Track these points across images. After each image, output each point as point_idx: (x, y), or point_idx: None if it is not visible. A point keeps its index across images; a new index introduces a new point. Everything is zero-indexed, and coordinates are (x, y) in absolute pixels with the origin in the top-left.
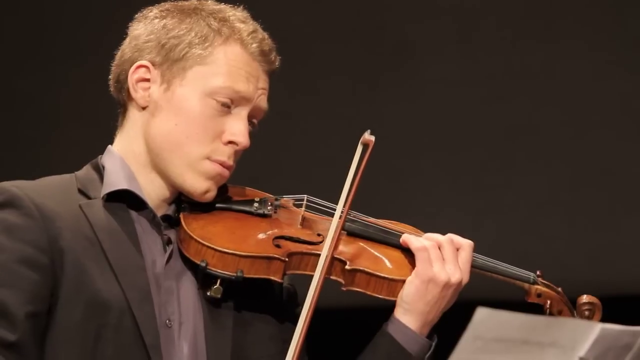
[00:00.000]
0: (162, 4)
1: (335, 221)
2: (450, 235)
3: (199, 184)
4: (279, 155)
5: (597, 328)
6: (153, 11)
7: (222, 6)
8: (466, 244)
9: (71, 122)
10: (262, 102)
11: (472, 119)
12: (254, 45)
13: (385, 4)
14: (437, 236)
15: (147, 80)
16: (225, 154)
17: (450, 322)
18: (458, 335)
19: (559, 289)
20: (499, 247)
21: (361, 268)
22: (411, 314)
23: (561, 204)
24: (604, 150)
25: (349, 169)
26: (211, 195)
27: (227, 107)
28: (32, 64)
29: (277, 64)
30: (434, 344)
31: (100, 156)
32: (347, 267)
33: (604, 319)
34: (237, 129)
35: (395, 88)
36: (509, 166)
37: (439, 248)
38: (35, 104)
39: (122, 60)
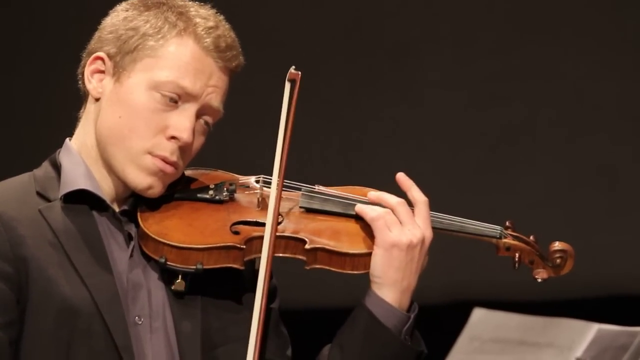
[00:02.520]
0: None
1: (273, 193)
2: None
3: (140, 180)
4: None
5: (594, 328)
6: (122, 5)
7: (188, 2)
8: (420, 200)
9: (30, 117)
10: (213, 100)
11: (469, 121)
12: (208, 40)
13: (383, 6)
14: (389, 199)
15: (102, 72)
16: (168, 150)
17: (448, 323)
18: (455, 335)
19: (531, 238)
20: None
21: (321, 246)
22: (385, 285)
23: (558, 205)
24: (601, 152)
25: (345, 170)
26: (156, 191)
27: (174, 102)
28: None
29: (235, 62)
30: (412, 315)
31: (58, 150)
32: (306, 246)
33: (601, 320)
34: (181, 124)
35: (394, 90)
36: (507, 167)
37: (394, 212)
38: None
39: (87, 52)
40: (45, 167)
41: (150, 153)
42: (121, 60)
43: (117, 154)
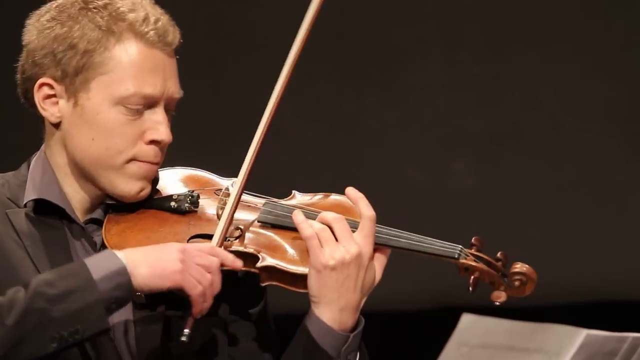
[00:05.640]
0: (48, 6)
1: (231, 201)
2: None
3: (131, 186)
4: (264, 158)
5: (582, 334)
6: (42, 20)
7: None
8: (365, 215)
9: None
10: (173, 91)
11: (457, 124)
12: (151, 32)
13: (371, 8)
14: (327, 216)
15: (54, 96)
16: (151, 154)
17: (436, 328)
18: (443, 341)
19: (497, 256)
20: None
21: (272, 265)
22: (321, 304)
23: (547, 209)
24: (590, 155)
25: (335, 172)
26: (146, 192)
27: (140, 110)
28: None
29: (177, 40)
30: (352, 335)
31: (35, 154)
32: (258, 264)
33: (589, 326)
34: (157, 127)
35: (381, 93)
36: (495, 171)
37: (331, 229)
38: None
39: (24, 78)
40: (21, 171)
41: (134, 159)
42: (72, 83)
43: (101, 171)
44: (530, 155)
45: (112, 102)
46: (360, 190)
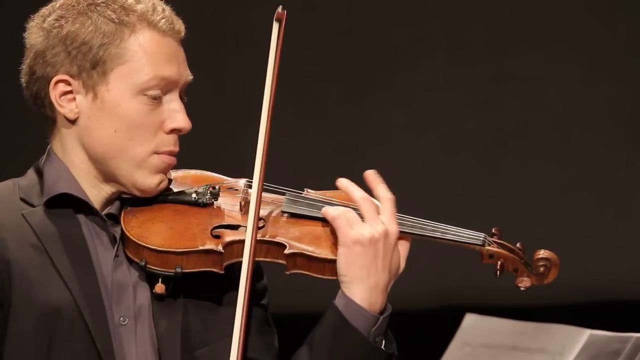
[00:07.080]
0: (51, 7)
1: (254, 195)
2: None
3: (150, 180)
4: (269, 158)
5: (585, 334)
6: (48, 20)
7: None
8: (385, 197)
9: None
10: (186, 75)
11: (460, 124)
12: (162, 21)
13: (375, 9)
14: (354, 193)
15: (70, 92)
16: (171, 143)
17: (439, 328)
18: (447, 341)
19: (517, 245)
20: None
21: (300, 251)
22: (352, 284)
23: (550, 209)
24: (593, 156)
25: (335, 173)
26: (164, 185)
27: (158, 98)
28: None
29: (183, 28)
30: (382, 317)
31: (42, 157)
32: (285, 251)
33: (592, 326)
34: (176, 115)
35: (385, 93)
36: (498, 171)
37: (358, 208)
38: None
39: (34, 79)
40: (29, 174)
41: (156, 152)
42: (89, 77)
43: (122, 164)
44: (533, 155)
45: (134, 92)
46: (364, 189)
